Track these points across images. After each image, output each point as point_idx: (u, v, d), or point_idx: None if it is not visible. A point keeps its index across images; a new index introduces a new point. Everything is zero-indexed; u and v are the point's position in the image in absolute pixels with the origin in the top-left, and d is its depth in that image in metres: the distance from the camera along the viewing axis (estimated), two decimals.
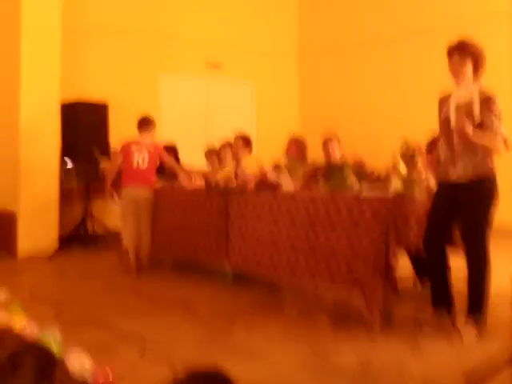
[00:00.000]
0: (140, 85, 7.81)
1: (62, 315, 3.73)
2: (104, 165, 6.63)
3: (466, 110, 3.20)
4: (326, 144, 5.02)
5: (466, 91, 3.25)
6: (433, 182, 3.67)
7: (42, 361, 1.49)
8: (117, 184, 5.44)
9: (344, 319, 3.62)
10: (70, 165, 6.68)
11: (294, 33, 9.62)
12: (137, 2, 7.82)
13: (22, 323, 3.26)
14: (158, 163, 5.48)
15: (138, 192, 5.27)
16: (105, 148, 6.51)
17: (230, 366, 2.72)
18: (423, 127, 4.12)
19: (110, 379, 2.53)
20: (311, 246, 3.77)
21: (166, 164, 5.56)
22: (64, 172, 6.64)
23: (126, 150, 5.34)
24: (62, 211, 6.42)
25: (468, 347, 3.02)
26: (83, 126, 6.47)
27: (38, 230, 6.09)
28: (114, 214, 6.56)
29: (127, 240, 5.25)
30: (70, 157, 6.59)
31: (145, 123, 5.42)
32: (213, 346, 3.16)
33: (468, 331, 3.13)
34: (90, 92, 6.91)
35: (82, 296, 4.39)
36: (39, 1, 6.24)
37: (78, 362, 2.66)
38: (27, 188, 6.11)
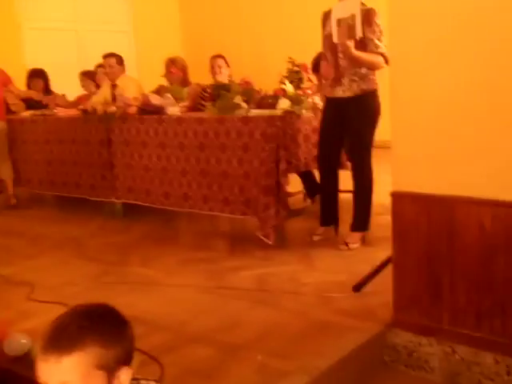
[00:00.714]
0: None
1: None
2: None
3: (347, 24, 3.19)
4: (212, 62, 4.81)
5: (348, 4, 3.22)
6: (319, 100, 3.71)
7: None
8: None
9: (239, 240, 3.67)
10: None
11: None
12: None
13: None
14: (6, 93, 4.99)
15: None
16: None
17: (126, 297, 2.68)
18: (309, 46, 4.09)
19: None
20: (202, 170, 3.70)
21: (15, 95, 5.10)
22: None
23: None
24: None
25: (353, 255, 3.23)
26: None
27: None
28: None
29: None
30: None
31: None
32: (107, 280, 3.04)
33: (353, 242, 3.34)
34: None
35: None
36: None
37: None
38: None
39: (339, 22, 3.21)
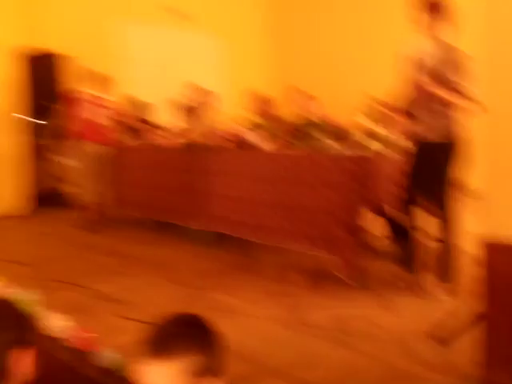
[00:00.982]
0: (101, 33, 7.34)
1: (38, 275, 3.69)
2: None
3: (430, 65, 3.12)
4: (302, 100, 4.92)
5: (430, 44, 3.15)
6: (405, 141, 3.66)
7: (16, 316, 1.47)
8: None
9: (319, 277, 3.67)
10: (37, 119, 6.41)
11: None
12: None
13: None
14: (114, 121, 5.40)
15: (96, 147, 5.19)
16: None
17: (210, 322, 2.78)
18: (388, 83, 4.04)
19: (90, 338, 2.54)
20: (286, 204, 3.78)
21: (121, 123, 5.52)
22: (34, 126, 6.40)
23: (79, 103, 5.21)
24: (35, 168, 6.23)
25: (436, 304, 3.10)
26: (45, 77, 6.22)
27: (7, 189, 5.91)
28: None
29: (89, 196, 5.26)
30: (37, 111, 6.32)
31: (101, 79, 5.28)
32: (192, 305, 3.17)
33: (436, 289, 3.21)
34: (50, 41, 6.51)
35: (58, 256, 4.34)
36: None
37: (57, 320, 2.67)
38: None
39: (421, 62, 3.16)
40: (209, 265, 4.07)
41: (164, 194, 4.97)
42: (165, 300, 3.26)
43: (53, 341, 2.57)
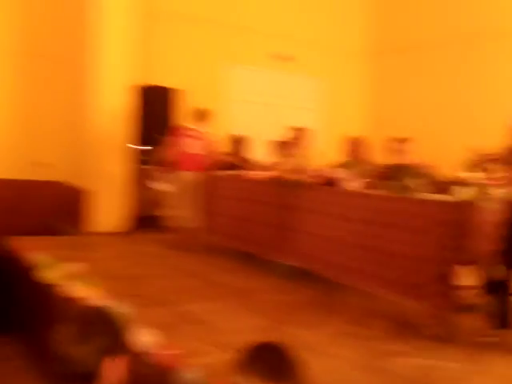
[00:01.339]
0: (213, 73, 7.95)
1: (131, 291, 3.95)
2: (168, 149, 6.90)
3: None
4: (394, 143, 4.94)
5: None
6: (505, 192, 3.56)
7: (113, 323, 1.61)
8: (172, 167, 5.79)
9: (399, 323, 3.60)
10: (144, 147, 6.94)
11: (368, 28, 9.36)
12: None
13: (95, 293, 3.52)
14: (209, 153, 5.81)
15: (192, 176, 5.63)
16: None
17: None
18: (498, 134, 4.00)
19: (175, 356, 2.69)
20: (372, 246, 3.78)
21: (214, 155, 5.87)
22: (140, 154, 6.92)
23: (181, 135, 5.68)
24: (139, 192, 6.70)
25: None
26: (156, 110, 6.73)
27: (114, 209, 6.42)
28: None
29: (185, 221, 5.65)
30: (144, 139, 6.84)
31: (200, 114, 5.75)
32: (270, 336, 3.25)
33: None
34: (167, 78, 7.11)
35: (150, 275, 4.62)
36: None
37: (145, 335, 2.86)
38: (101, 168, 6.44)
39: None
40: (289, 298, 4.14)
41: (252, 226, 5.13)
42: (244, 327, 3.37)
43: (139, 355, 2.76)
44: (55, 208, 7.15)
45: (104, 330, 1.57)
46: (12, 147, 6.92)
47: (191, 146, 5.66)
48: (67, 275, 4.02)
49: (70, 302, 3.53)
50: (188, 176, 5.68)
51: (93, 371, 1.53)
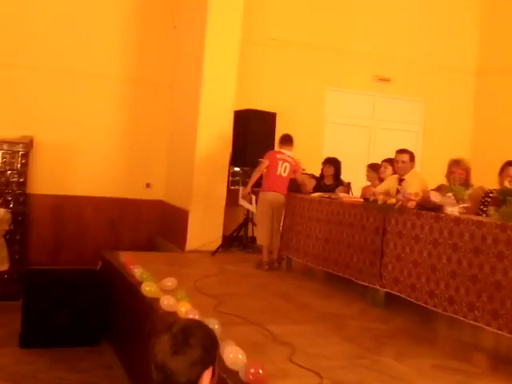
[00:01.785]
0: (307, 97, 8.04)
1: (219, 308, 4.03)
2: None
3: None
4: (503, 169, 4.64)
5: None
6: None
7: (208, 336, 1.62)
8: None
9: (504, 361, 3.34)
10: (236, 169, 7.15)
11: (472, 47, 8.94)
12: (310, 16, 8.03)
13: (186, 308, 3.63)
14: (295, 175, 6.06)
15: (276, 196, 5.90)
16: None
17: None
18: None
19: (261, 375, 2.69)
20: (473, 275, 3.54)
21: (299, 178, 6.08)
22: (231, 175, 7.13)
23: (272, 158, 5.97)
24: (226, 213, 6.90)
25: None
26: (252, 133, 6.89)
27: (205, 228, 6.64)
28: None
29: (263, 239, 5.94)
30: (237, 161, 7.05)
31: (288, 139, 6.08)
32: (360, 364, 3.15)
33: None
34: (262, 102, 7.29)
35: (238, 293, 4.69)
36: (223, 14, 6.77)
37: (232, 353, 2.88)
38: (199, 188, 6.71)
39: None
40: (378, 325, 3.99)
41: (343, 249, 5.04)
42: (333, 353, 3.29)
43: (226, 371, 2.78)
44: (158, 225, 7.59)
45: (201, 342, 1.57)
46: (124, 169, 7.44)
47: (278, 168, 5.93)
48: (163, 290, 4.21)
49: (167, 315, 3.67)
50: (272, 196, 5.90)
51: (190, 382, 1.54)
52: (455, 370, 3.13)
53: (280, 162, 5.93)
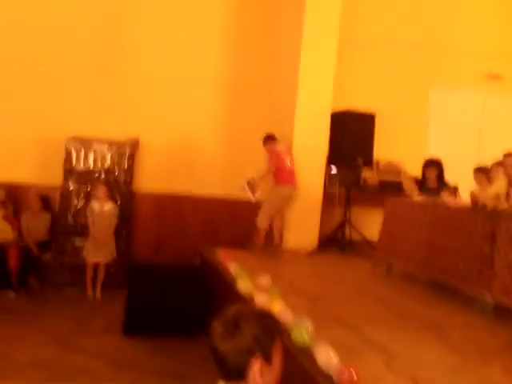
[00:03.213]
0: (409, 97, 7.75)
1: (314, 309, 3.96)
2: (365, 174, 6.83)
3: None
4: None
5: None
6: None
7: (263, 326, 1.56)
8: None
9: None
10: (334, 171, 7.04)
11: None
12: (411, 13, 7.75)
13: (279, 307, 3.61)
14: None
15: (290, 192, 6.44)
16: (368, 158, 6.66)
17: None
18: None
19: (354, 379, 2.59)
20: None
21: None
22: (328, 177, 7.04)
23: (277, 154, 6.35)
24: (323, 214, 6.82)
25: None
26: (350, 134, 6.75)
27: (301, 229, 6.61)
28: (371, 221, 6.69)
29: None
30: (335, 163, 6.94)
31: (274, 136, 6.51)
32: (462, 378, 2.93)
33: None
34: (359, 102, 7.13)
35: (334, 296, 4.58)
36: (321, 16, 6.72)
37: (326, 355, 2.81)
38: (301, 188, 6.66)
39: None
40: (485, 338, 3.69)
41: (443, 255, 4.76)
42: (434, 363, 3.09)
43: (322, 374, 2.71)
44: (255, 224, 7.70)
45: (252, 331, 1.54)
46: (227, 168, 7.63)
47: (286, 161, 6.41)
48: (258, 287, 4.24)
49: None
50: (287, 192, 6.45)
51: (240, 369, 1.53)
52: None
53: (285, 156, 6.35)
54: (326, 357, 2.79)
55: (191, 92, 7.50)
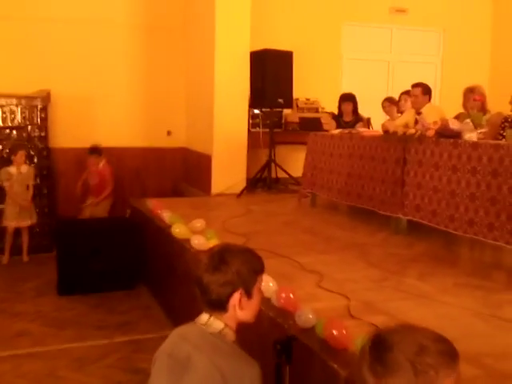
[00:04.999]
0: (323, 34, 7.90)
1: (248, 243, 4.19)
2: (286, 113, 7.05)
3: None
4: None
5: None
6: None
7: (246, 261, 1.70)
8: None
9: None
10: (256, 111, 7.18)
11: None
12: None
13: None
14: None
15: None
16: (289, 97, 6.83)
17: (400, 303, 2.92)
18: None
19: (292, 299, 2.88)
20: (492, 197, 3.64)
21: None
22: (251, 118, 7.18)
23: None
24: (248, 155, 6.99)
25: None
26: (270, 74, 6.81)
27: (228, 171, 6.76)
28: (295, 159, 6.99)
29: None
30: (256, 103, 7.05)
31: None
32: (385, 285, 3.33)
33: None
34: (277, 42, 7.16)
35: (266, 230, 4.86)
36: None
37: (264, 281, 3.07)
38: (220, 133, 6.77)
39: None
40: (401, 251, 4.15)
41: (362, 181, 5.15)
42: (359, 278, 3.47)
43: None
44: (182, 172, 7.76)
45: (235, 265, 1.64)
46: (144, 118, 7.52)
47: None
48: (193, 231, 4.40)
49: (199, 254, 3.87)
50: None
51: (222, 300, 1.65)
52: (476, 287, 3.29)
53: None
54: (264, 283, 3.04)
55: (102, 38, 7.14)
